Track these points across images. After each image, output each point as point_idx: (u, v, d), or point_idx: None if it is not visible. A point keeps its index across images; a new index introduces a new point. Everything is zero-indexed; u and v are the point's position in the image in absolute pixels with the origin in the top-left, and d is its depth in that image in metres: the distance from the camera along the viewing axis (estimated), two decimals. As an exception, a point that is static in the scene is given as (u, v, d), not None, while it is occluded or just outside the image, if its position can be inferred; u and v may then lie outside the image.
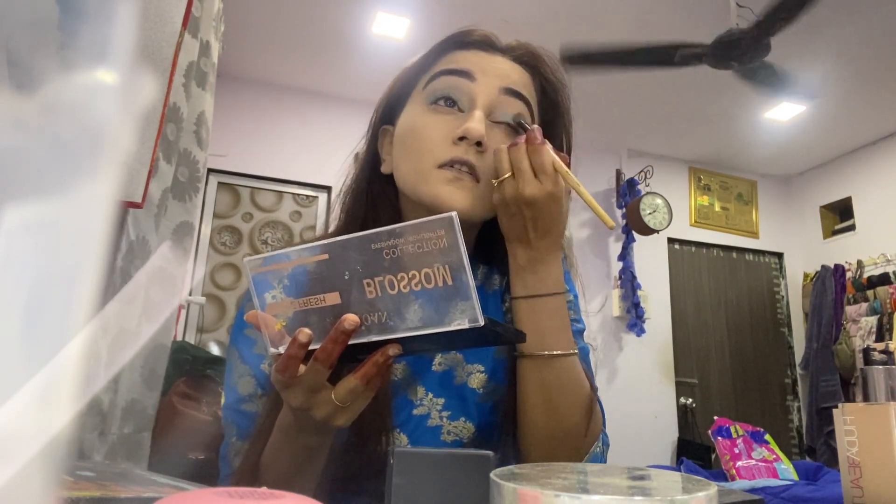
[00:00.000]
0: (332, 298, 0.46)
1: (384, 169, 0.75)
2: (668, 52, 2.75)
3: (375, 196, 0.75)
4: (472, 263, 0.43)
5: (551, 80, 0.75)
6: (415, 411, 0.68)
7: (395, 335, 0.45)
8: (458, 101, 0.69)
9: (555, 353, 0.64)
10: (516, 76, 0.72)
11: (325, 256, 0.46)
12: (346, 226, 0.75)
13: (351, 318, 0.45)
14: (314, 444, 0.56)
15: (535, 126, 0.65)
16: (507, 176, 0.63)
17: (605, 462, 0.69)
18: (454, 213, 0.43)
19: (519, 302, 0.65)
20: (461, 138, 0.66)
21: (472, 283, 0.42)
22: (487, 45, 0.74)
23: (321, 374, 0.48)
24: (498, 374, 0.71)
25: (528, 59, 0.74)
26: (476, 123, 0.66)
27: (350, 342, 0.46)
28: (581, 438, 0.65)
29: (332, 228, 0.79)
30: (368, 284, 0.45)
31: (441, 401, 0.69)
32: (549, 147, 0.63)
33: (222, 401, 0.70)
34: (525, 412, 0.65)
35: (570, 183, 0.64)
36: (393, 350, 0.47)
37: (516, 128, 0.69)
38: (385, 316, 0.45)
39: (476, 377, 0.71)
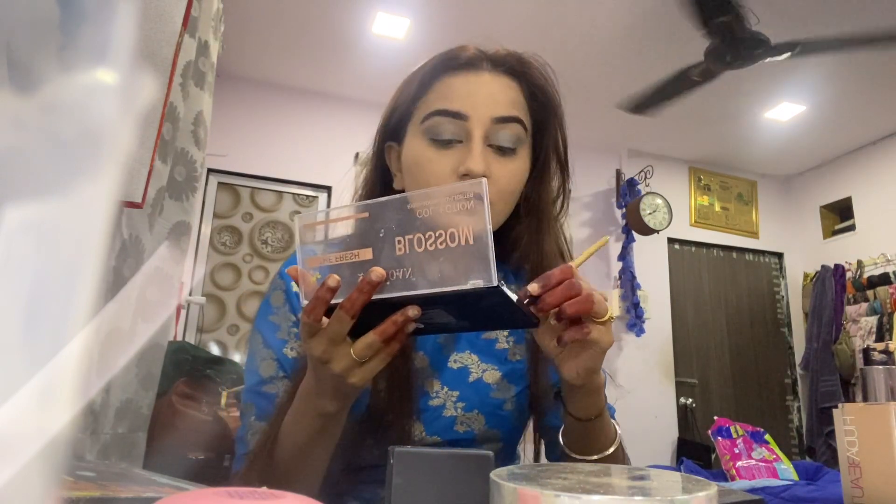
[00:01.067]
0: (365, 254, 0.50)
1: (397, 185, 0.78)
2: (686, 75, 2.87)
3: None
4: None
5: (539, 83, 0.77)
6: (431, 402, 0.73)
7: (415, 292, 0.48)
8: (455, 137, 0.72)
9: (595, 456, 0.66)
10: (505, 98, 0.73)
11: (366, 214, 0.50)
12: None
13: (378, 271, 0.48)
14: (331, 411, 0.58)
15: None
16: (610, 316, 0.61)
17: None
18: (484, 179, 0.46)
19: (572, 420, 0.66)
20: (465, 175, 0.69)
21: (491, 244, 0.45)
22: (476, 63, 0.75)
23: (344, 322, 0.51)
24: (512, 376, 0.76)
25: (515, 66, 0.76)
26: (477, 162, 0.69)
27: (374, 297, 0.49)
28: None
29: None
30: (399, 242, 0.48)
31: (456, 393, 0.74)
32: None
33: (223, 401, 0.72)
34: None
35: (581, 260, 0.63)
36: (412, 311, 0.49)
37: (512, 147, 0.72)
38: (409, 272, 0.48)
39: (490, 374, 0.75)
